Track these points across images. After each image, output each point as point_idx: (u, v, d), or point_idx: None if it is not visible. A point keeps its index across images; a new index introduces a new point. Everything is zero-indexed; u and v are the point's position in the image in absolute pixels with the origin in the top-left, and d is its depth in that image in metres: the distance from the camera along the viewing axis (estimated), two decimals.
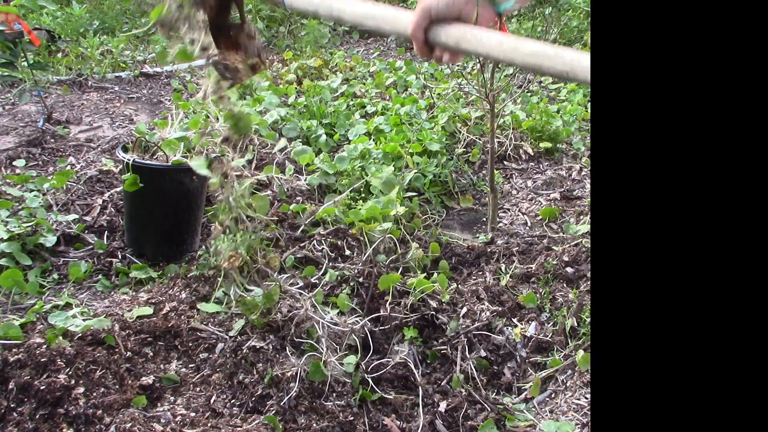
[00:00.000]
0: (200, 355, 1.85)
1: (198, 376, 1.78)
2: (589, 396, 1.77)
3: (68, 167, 2.95)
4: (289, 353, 1.83)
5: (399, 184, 2.75)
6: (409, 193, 2.81)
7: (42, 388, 1.54)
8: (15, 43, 3.21)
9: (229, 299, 2.01)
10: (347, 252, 2.32)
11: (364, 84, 4.27)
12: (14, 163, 2.99)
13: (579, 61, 0.86)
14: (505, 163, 3.38)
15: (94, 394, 1.59)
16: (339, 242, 2.36)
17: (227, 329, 1.91)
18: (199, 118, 3.06)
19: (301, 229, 2.45)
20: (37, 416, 1.50)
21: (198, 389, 1.74)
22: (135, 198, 2.23)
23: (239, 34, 1.18)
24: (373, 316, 2.02)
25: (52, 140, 3.29)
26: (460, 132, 3.41)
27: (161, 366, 1.80)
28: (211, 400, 1.70)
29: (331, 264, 2.25)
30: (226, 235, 1.55)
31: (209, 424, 1.60)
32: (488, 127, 2.92)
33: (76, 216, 2.49)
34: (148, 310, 1.94)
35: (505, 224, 2.81)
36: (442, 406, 1.76)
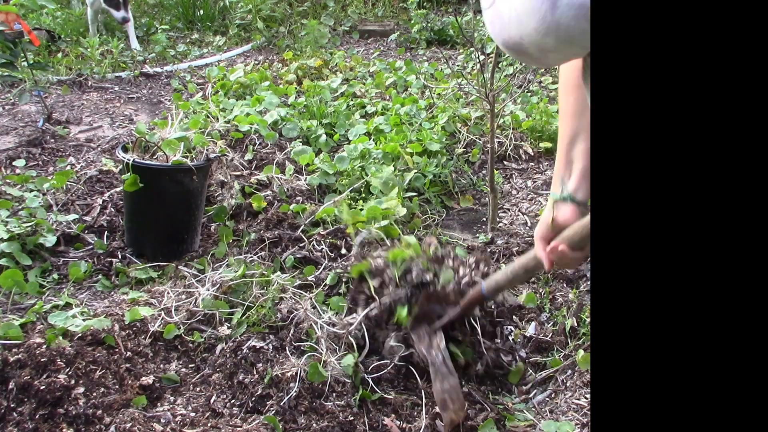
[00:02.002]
0: (200, 355, 1.85)
1: (198, 376, 1.78)
2: (589, 396, 1.77)
3: (68, 167, 2.95)
4: (288, 353, 1.83)
5: (399, 184, 2.75)
6: (409, 193, 2.81)
7: (42, 388, 1.54)
8: (15, 43, 3.21)
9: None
10: (347, 252, 2.32)
11: (364, 84, 4.27)
12: (14, 163, 2.99)
13: None
14: (505, 163, 3.38)
15: (94, 394, 1.59)
16: (339, 242, 2.36)
17: (227, 329, 1.91)
18: (199, 118, 3.06)
19: (301, 229, 2.45)
20: (37, 416, 1.50)
21: (198, 389, 1.74)
22: (135, 198, 2.23)
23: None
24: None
25: (52, 140, 3.29)
26: (460, 132, 3.41)
27: (161, 366, 1.80)
28: (211, 400, 1.70)
29: (330, 264, 2.25)
30: None
31: (209, 424, 1.60)
32: (488, 127, 2.92)
33: (76, 216, 2.49)
34: (149, 310, 1.94)
35: (505, 224, 2.81)
36: None
